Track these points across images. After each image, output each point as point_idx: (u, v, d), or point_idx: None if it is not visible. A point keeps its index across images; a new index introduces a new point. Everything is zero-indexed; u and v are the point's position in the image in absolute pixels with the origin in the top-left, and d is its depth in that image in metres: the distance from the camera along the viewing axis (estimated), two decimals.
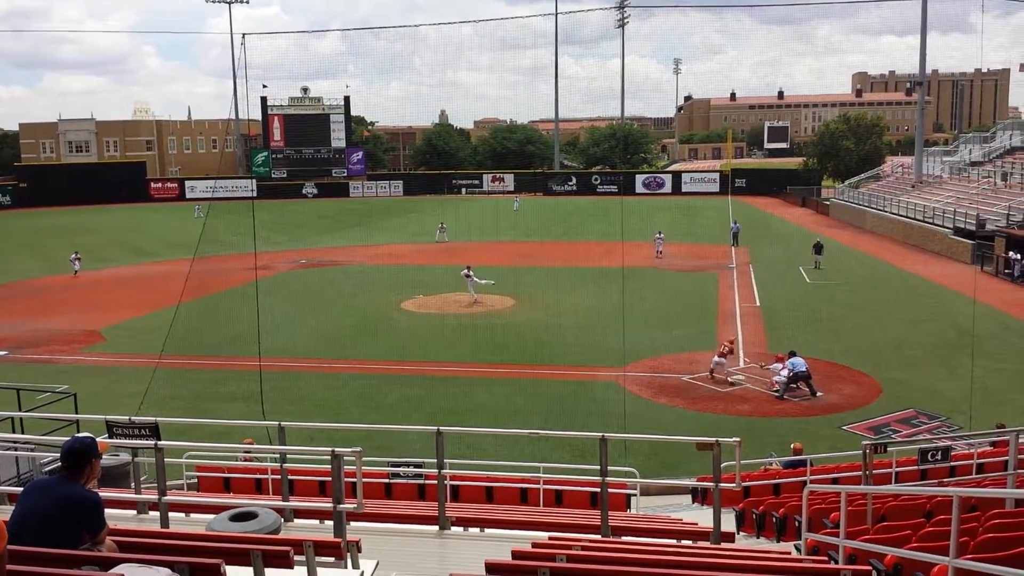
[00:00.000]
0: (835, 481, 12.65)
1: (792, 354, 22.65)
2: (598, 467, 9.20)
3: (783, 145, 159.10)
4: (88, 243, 58.15)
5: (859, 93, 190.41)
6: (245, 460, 14.38)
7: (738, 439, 9.58)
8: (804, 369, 22.20)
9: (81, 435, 5.03)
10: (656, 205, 73.66)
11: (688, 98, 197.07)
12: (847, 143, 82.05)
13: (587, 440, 11.40)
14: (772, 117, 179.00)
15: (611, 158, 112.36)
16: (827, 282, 38.67)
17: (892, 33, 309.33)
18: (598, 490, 9.50)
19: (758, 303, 34.46)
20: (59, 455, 4.81)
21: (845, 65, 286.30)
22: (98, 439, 5.14)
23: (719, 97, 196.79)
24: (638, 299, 32.44)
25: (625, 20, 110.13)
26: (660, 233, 47.76)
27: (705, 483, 13.28)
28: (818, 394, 22.13)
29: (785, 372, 22.23)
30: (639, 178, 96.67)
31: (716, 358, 23.66)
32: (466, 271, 35.42)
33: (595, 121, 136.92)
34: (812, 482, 12.01)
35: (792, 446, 15.45)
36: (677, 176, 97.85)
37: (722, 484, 9.04)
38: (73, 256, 45.79)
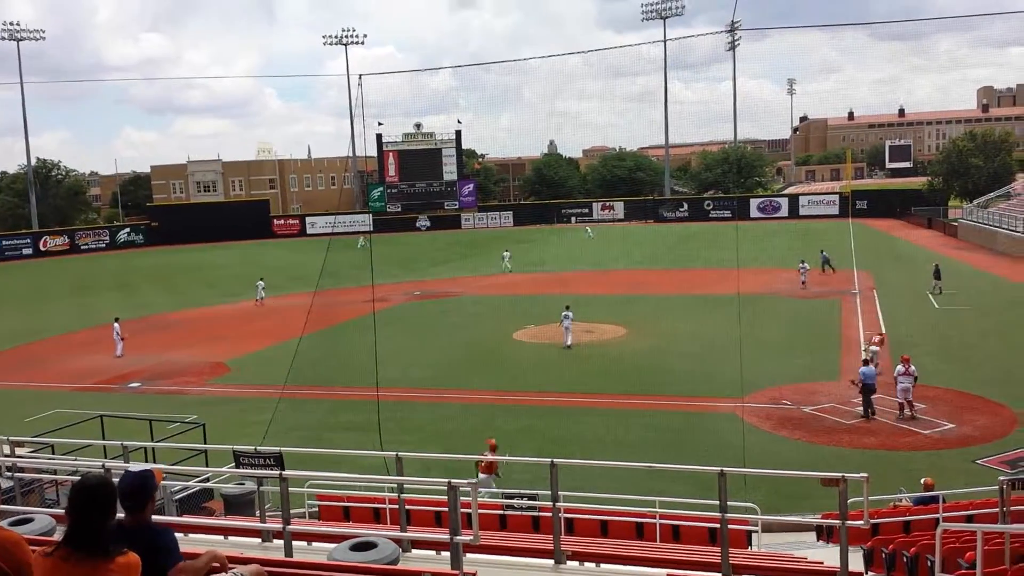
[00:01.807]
0: (970, 519, 11.95)
1: (865, 363, 22.82)
2: (717, 502, 8.96)
3: (906, 164, 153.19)
4: (215, 278, 60.93)
5: (985, 108, 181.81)
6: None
7: (866, 474, 9.18)
8: (871, 383, 22.09)
9: (137, 468, 4.69)
10: (772, 229, 71.99)
11: (804, 118, 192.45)
12: (975, 161, 78.37)
13: (705, 474, 11.11)
14: (893, 136, 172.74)
15: (724, 182, 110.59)
16: (956, 307, 36.84)
17: (1019, 44, 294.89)
18: (717, 526, 9.24)
19: (884, 330, 33.08)
20: (120, 493, 4.47)
21: (969, 80, 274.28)
22: (156, 467, 4.95)
23: (836, 117, 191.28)
24: (756, 327, 31.56)
25: (736, 42, 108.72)
26: (804, 263, 44.96)
27: (831, 520, 12.74)
28: (872, 416, 21.98)
29: (905, 382, 21.50)
30: (754, 202, 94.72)
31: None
32: (566, 312, 32.44)
33: (707, 145, 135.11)
34: (945, 520, 11.38)
35: (923, 481, 14.68)
36: (794, 199, 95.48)
37: (849, 521, 8.65)
38: (260, 284, 47.34)
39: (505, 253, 59.70)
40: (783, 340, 31.33)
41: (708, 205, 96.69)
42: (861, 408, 22.34)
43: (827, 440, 20.71)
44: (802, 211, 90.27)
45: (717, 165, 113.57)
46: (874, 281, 44.74)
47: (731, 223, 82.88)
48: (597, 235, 78.56)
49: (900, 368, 21.90)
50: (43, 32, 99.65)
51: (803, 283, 43.81)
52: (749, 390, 23.38)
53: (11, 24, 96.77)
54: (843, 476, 8.71)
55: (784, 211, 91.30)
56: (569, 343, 31.93)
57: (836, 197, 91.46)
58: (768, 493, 15.56)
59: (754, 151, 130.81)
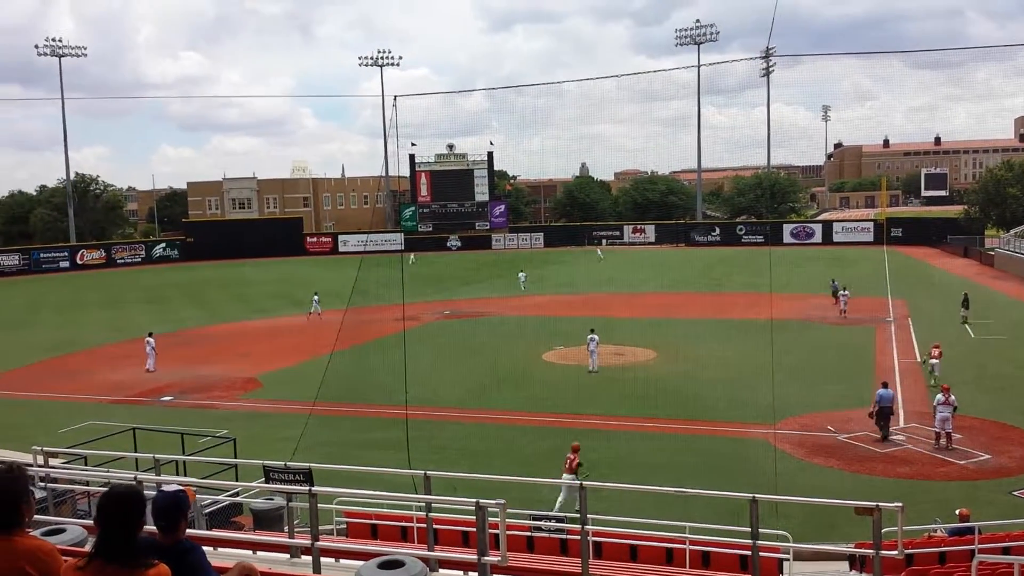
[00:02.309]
0: (1006, 551, 11.69)
1: (884, 385, 23.02)
2: (748, 529, 8.85)
3: (942, 193, 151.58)
4: (248, 294, 61.51)
5: (1023, 138, 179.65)
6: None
7: (900, 504, 9.04)
8: (888, 404, 22.17)
9: (170, 488, 4.63)
10: (806, 255, 71.43)
11: (838, 145, 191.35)
12: (1012, 190, 77.31)
13: (737, 500, 10.98)
14: (929, 164, 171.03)
15: (757, 208, 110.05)
16: (992, 336, 36.26)
17: None
18: (748, 553, 9.12)
19: (919, 359, 32.63)
20: (153, 512, 4.34)
21: (1006, 109, 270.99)
22: (188, 485, 4.87)
23: (871, 144, 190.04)
24: (788, 353, 31.28)
25: (771, 68, 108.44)
26: (845, 289, 43.61)
27: (864, 550, 12.52)
28: (889, 438, 22.25)
29: (945, 411, 21.20)
30: (787, 228, 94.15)
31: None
32: (591, 336, 32.15)
33: (740, 170, 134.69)
34: (981, 551, 11.13)
35: (958, 512, 14.40)
36: (828, 225, 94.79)
37: (883, 551, 8.51)
38: (315, 298, 47.56)
39: (521, 274, 60.64)
40: (816, 367, 30.98)
41: (741, 230, 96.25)
42: (881, 432, 22.45)
43: (861, 468, 20.40)
44: (836, 238, 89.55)
45: (750, 190, 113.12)
46: (909, 309, 44.17)
47: (764, 248, 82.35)
48: (625, 257, 78.38)
49: (940, 397, 21.58)
50: (85, 49, 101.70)
51: (843, 312, 42.44)
52: (781, 416, 23.13)
53: (54, 40, 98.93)
54: (877, 505, 8.59)
55: (818, 237, 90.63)
56: (594, 368, 31.67)
57: (871, 224, 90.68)
58: (800, 521, 15.32)
59: (788, 177, 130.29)
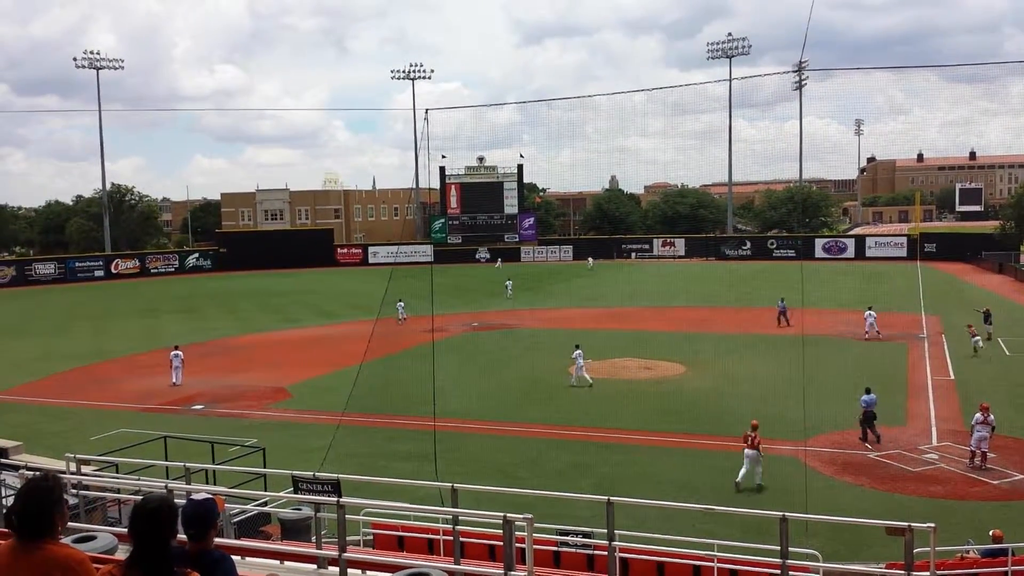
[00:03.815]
0: None
1: (868, 391, 23.74)
2: (778, 548, 8.76)
3: (976, 208, 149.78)
4: (279, 304, 62.00)
5: None
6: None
7: (932, 524, 8.90)
8: (872, 409, 23.03)
9: (200, 496, 4.70)
10: (838, 270, 70.71)
11: (871, 159, 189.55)
12: None
13: (766, 518, 10.87)
14: (963, 178, 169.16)
15: (788, 222, 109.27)
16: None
17: None
18: (778, 572, 9.02)
19: (952, 376, 32.18)
20: (183, 520, 4.39)
21: None
22: (216, 494, 4.89)
23: (905, 158, 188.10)
24: (819, 369, 30.91)
25: (803, 82, 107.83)
26: (871, 310, 41.44)
27: (896, 571, 12.33)
28: (877, 442, 23.12)
29: (983, 431, 20.89)
30: (819, 242, 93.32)
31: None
32: (577, 351, 32.12)
33: (771, 184, 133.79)
34: (1015, 574, 10.93)
35: (992, 533, 14.15)
36: (860, 240, 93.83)
37: (915, 572, 8.38)
38: (400, 305, 47.42)
39: (508, 283, 63.87)
40: (847, 383, 30.58)
41: (772, 244, 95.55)
42: (862, 435, 23.45)
43: (892, 487, 20.12)
44: (869, 253, 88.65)
45: (782, 204, 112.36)
46: (942, 325, 43.57)
47: (795, 263, 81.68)
48: (654, 271, 78.11)
49: (978, 416, 21.22)
50: (122, 61, 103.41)
51: (867, 333, 40.55)
52: (812, 433, 22.88)
53: (92, 53, 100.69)
54: (909, 525, 8.47)
55: (850, 252, 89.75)
56: (575, 381, 31.52)
57: (904, 239, 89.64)
58: (830, 540, 15.15)
59: (820, 191, 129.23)
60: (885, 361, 35.19)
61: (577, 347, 32.49)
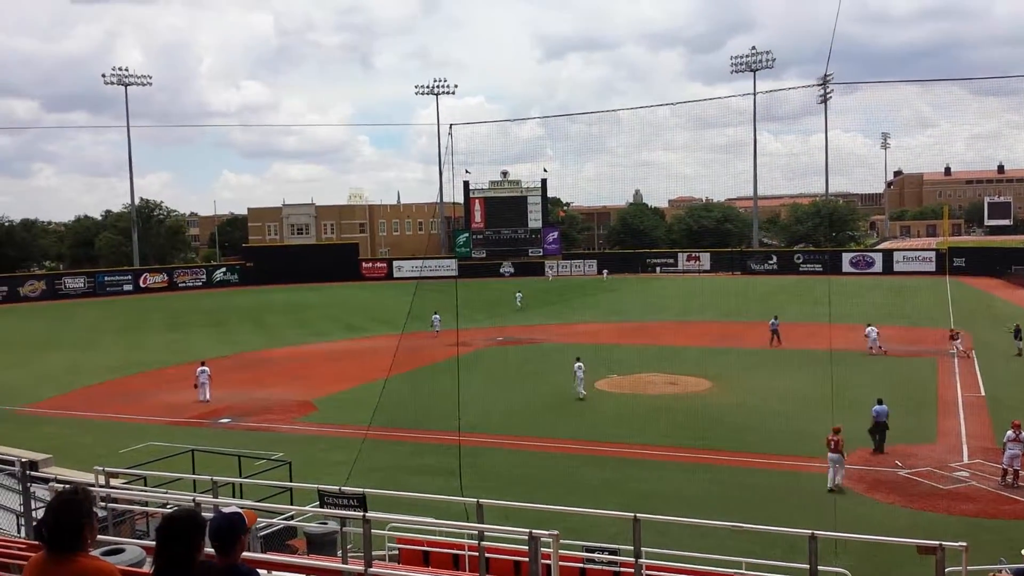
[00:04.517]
0: None
1: (879, 402, 24.16)
2: (807, 566, 8.64)
3: (1006, 222, 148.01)
4: (305, 318, 62.35)
5: None
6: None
7: (964, 543, 8.75)
8: (883, 420, 23.42)
9: (227, 510, 4.65)
10: (865, 285, 70.13)
11: (898, 173, 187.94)
12: None
13: (794, 536, 10.74)
14: (992, 192, 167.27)
15: (815, 236, 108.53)
16: None
17: None
18: None
19: (983, 392, 31.72)
20: (209, 534, 4.37)
21: None
22: (244, 509, 4.86)
23: (932, 172, 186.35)
24: (848, 385, 30.58)
25: (828, 95, 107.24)
26: (871, 326, 40.88)
27: None
28: (880, 452, 23.53)
29: (1015, 448, 20.54)
30: (846, 256, 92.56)
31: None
32: (578, 364, 32.57)
33: (797, 198, 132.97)
34: None
35: None
36: (888, 254, 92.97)
37: None
38: (436, 317, 47.63)
39: (518, 293, 66.19)
40: (875, 399, 30.24)
41: (798, 258, 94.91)
42: (876, 447, 23.66)
43: (923, 505, 19.83)
44: (897, 267, 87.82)
45: (808, 218, 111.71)
46: (972, 341, 42.98)
47: (822, 277, 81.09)
48: (681, 285, 77.80)
49: (1010, 434, 20.92)
50: (150, 78, 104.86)
51: (870, 348, 39.86)
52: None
53: (120, 70, 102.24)
54: (940, 544, 8.35)
55: (878, 267, 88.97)
56: (582, 395, 31.98)
57: (932, 254, 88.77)
58: (859, 559, 14.94)
59: (847, 205, 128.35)
60: (914, 377, 34.76)
61: (578, 359, 32.90)
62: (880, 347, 40.12)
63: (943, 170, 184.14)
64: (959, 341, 39.19)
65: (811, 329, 43.89)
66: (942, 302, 53.79)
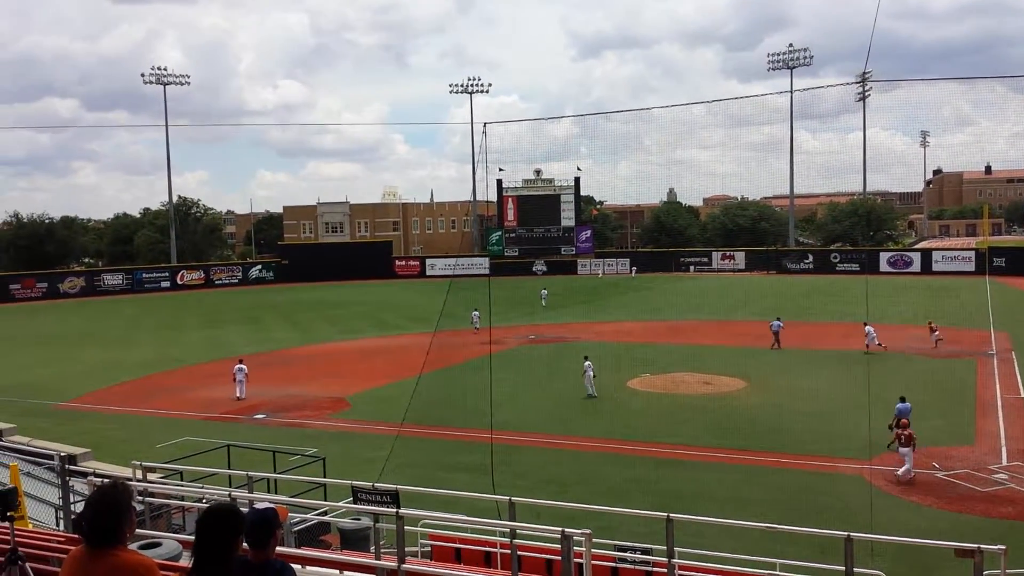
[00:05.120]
0: None
1: (902, 400, 24.39)
2: (842, 568, 8.56)
3: None
4: (339, 315, 62.78)
5: None
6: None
7: (1003, 546, 8.62)
8: (906, 418, 23.05)
9: (262, 505, 4.73)
10: (903, 285, 69.15)
11: (937, 172, 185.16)
12: None
13: (829, 538, 10.64)
14: None
15: (852, 235, 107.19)
16: None
17: None
18: None
19: (1023, 394, 31.17)
20: (246, 529, 4.43)
21: None
22: (278, 505, 4.91)
23: (972, 170, 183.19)
24: (884, 386, 30.21)
25: (866, 93, 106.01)
26: (868, 325, 40.07)
27: None
28: (888, 448, 22.86)
29: None
30: (884, 256, 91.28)
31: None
32: (588, 364, 32.64)
33: (834, 196, 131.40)
34: None
35: None
36: (927, 254, 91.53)
37: None
38: (475, 314, 48.04)
39: (543, 291, 66.30)
40: (914, 401, 29.80)
41: (835, 258, 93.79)
42: (895, 444, 22.89)
43: (961, 508, 19.54)
44: (935, 267, 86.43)
45: (845, 217, 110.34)
46: (1012, 342, 42.23)
47: (859, 277, 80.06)
48: (715, 285, 77.26)
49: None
50: (188, 77, 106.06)
51: (868, 346, 39.50)
52: (877, 451, 22.36)
53: (159, 69, 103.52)
54: (979, 547, 8.22)
55: (916, 266, 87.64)
56: (590, 393, 32.03)
57: (972, 253, 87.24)
58: (895, 561, 14.74)
59: (885, 203, 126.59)
60: (953, 378, 34.22)
61: (586, 359, 33.13)
62: (879, 344, 39.96)
63: (983, 169, 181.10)
64: (937, 333, 39.87)
65: (846, 329, 43.38)
66: (981, 303, 52.88)
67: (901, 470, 21.47)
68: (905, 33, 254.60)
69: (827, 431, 25.87)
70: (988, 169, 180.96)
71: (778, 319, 43.71)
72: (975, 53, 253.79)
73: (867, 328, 40.27)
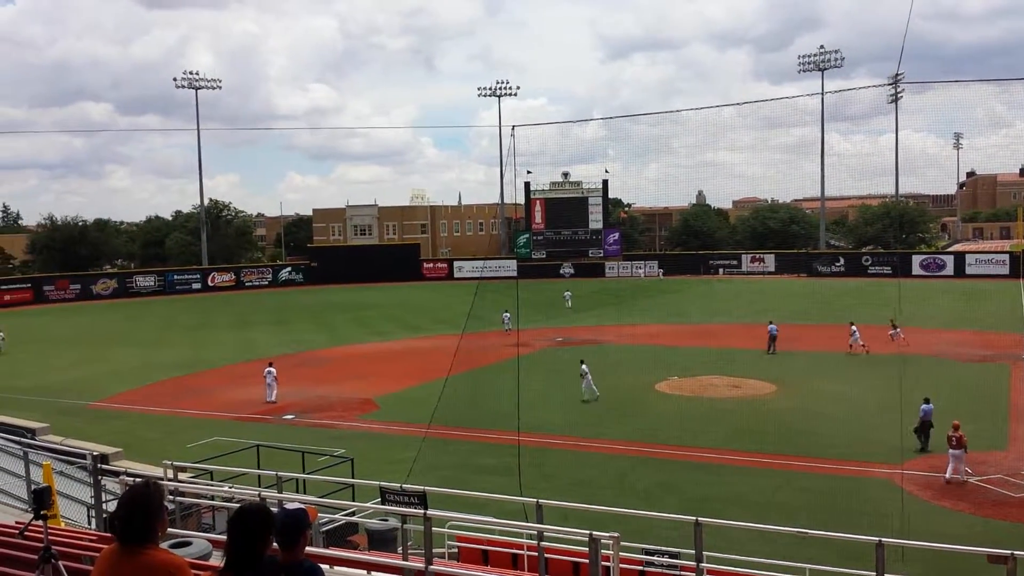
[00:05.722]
0: None
1: (926, 401, 24.52)
2: (873, 573, 8.46)
3: None
4: (367, 317, 63.07)
5: None
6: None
7: None
8: (929, 419, 23.79)
9: (292, 506, 4.72)
10: (936, 288, 68.25)
11: (971, 174, 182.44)
12: None
13: (860, 543, 10.52)
14: None
15: (884, 238, 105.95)
16: None
17: None
18: None
19: None
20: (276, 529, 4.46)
21: None
22: (307, 505, 4.92)
23: (1007, 173, 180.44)
24: (916, 390, 29.86)
25: (899, 95, 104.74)
26: (853, 325, 41.59)
27: None
28: (928, 450, 23.80)
29: None
30: (916, 259, 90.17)
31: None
32: (584, 368, 32.92)
33: (865, 199, 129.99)
34: None
35: None
36: (960, 257, 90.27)
37: None
38: (506, 315, 48.84)
39: (567, 293, 66.59)
40: (946, 405, 29.40)
41: (867, 260, 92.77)
42: (921, 446, 23.96)
43: (993, 513, 19.26)
44: (969, 270, 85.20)
45: (877, 219, 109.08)
46: None
47: (891, 280, 79.15)
48: (744, 288, 76.71)
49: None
50: (220, 81, 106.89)
51: (851, 347, 40.55)
52: (908, 456, 22.12)
53: (191, 73, 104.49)
54: (1012, 553, 8.10)
55: (949, 269, 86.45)
56: (586, 398, 32.11)
57: (1006, 257, 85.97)
58: (927, 567, 14.57)
59: (917, 206, 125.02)
60: (986, 383, 33.72)
61: (583, 363, 33.35)
62: (862, 345, 40.08)
63: (1018, 171, 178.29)
64: (899, 330, 39.28)
65: (874, 332, 42.89)
66: (1016, 307, 52.06)
67: (948, 472, 21.44)
68: (938, 34, 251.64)
69: (858, 435, 25.61)
70: (1023, 171, 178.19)
71: (771, 322, 43.41)
72: (1009, 55, 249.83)
73: (852, 327, 40.76)
